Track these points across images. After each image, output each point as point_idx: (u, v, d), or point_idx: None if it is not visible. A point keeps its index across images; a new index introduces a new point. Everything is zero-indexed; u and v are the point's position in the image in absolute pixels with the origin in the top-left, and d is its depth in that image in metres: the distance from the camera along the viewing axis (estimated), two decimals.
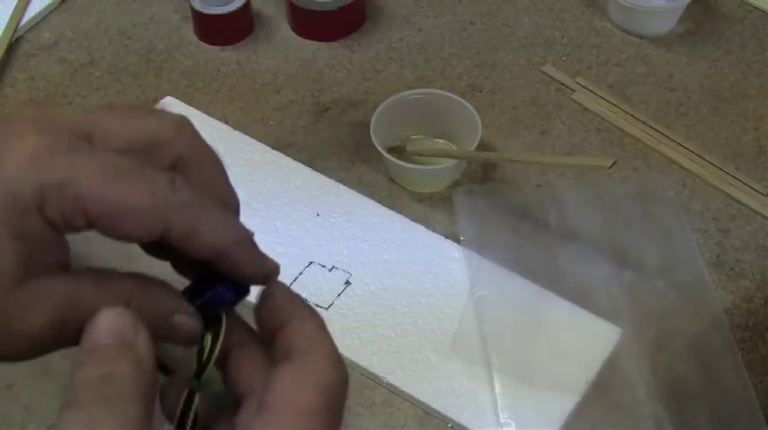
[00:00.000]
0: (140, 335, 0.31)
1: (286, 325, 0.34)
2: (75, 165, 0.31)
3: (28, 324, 0.31)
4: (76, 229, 0.32)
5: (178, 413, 0.33)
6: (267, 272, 0.36)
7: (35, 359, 0.33)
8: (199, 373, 0.33)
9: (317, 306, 0.68)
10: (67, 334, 0.32)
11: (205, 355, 0.33)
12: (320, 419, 0.32)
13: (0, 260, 0.30)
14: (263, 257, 0.35)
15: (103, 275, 0.33)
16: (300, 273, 0.69)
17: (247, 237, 0.35)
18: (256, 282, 0.36)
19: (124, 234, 0.32)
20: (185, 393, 0.33)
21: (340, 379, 0.33)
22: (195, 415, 0.33)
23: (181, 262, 0.36)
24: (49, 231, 0.31)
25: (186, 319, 0.34)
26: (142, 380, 0.30)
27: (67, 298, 0.32)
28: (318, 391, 0.32)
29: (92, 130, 0.33)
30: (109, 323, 0.31)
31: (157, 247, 0.35)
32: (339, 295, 0.68)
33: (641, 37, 0.89)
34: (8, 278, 0.30)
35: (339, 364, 0.34)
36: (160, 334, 0.34)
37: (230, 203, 0.37)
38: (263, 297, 0.35)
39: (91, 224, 0.32)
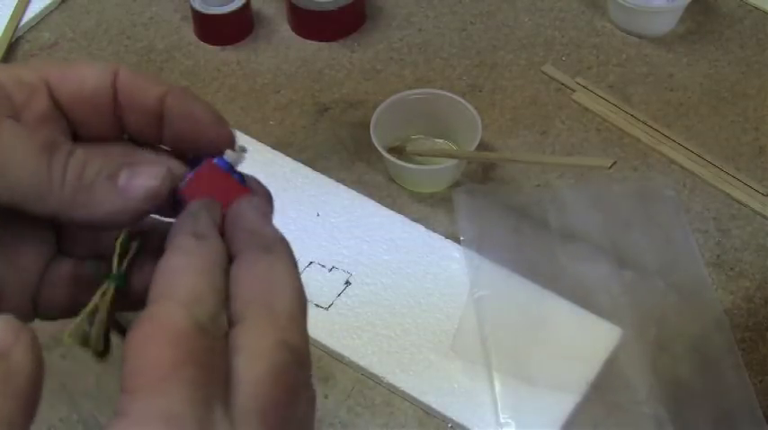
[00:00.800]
0: (19, 346, 0.28)
1: (241, 256, 0.32)
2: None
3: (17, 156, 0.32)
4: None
5: (91, 305, 0.32)
6: (214, 114, 0.35)
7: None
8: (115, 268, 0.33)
9: (317, 306, 0.68)
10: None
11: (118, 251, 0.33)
12: (180, 378, 0.27)
13: None
14: (205, 103, 0.35)
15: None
16: (300, 273, 0.69)
17: (184, 87, 0.36)
18: (209, 128, 0.35)
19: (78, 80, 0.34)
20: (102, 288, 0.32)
21: (186, 320, 0.28)
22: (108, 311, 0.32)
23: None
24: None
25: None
26: (4, 398, 0.26)
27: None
28: (170, 345, 0.27)
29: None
30: None
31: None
32: (339, 295, 0.68)
33: (641, 37, 0.89)
34: None
35: (196, 304, 0.28)
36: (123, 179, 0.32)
37: None
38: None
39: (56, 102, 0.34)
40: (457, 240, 0.71)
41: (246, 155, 0.36)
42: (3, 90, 0.33)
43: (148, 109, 0.35)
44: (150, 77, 0.35)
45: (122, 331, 0.32)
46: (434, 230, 0.73)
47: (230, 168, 0.35)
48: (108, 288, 0.32)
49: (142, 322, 0.28)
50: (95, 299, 0.32)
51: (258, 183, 0.37)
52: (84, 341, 0.32)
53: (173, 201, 0.33)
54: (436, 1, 0.93)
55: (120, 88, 0.34)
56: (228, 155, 0.36)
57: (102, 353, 0.32)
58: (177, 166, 0.35)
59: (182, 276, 0.30)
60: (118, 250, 0.33)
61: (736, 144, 0.80)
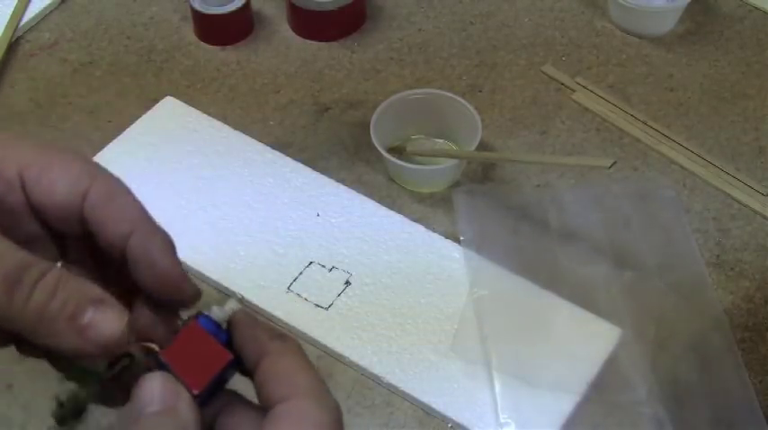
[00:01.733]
0: (182, 400, 0.32)
1: (259, 365, 0.34)
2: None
3: None
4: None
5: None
6: (180, 273, 0.34)
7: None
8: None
9: (317, 306, 0.68)
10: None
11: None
12: None
13: None
14: (175, 258, 0.34)
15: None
16: (300, 273, 0.69)
17: (160, 229, 0.35)
18: (170, 286, 0.34)
19: (50, 188, 0.34)
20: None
21: (330, 415, 0.32)
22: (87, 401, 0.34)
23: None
24: None
25: (110, 312, 0.33)
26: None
27: None
28: None
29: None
30: (152, 389, 0.32)
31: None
32: (339, 295, 0.68)
33: (641, 37, 0.89)
34: None
35: (325, 398, 0.33)
36: (82, 323, 0.32)
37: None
38: (232, 332, 0.35)
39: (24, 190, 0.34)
40: (457, 240, 0.71)
41: (240, 306, 0.35)
42: None
43: (112, 243, 0.34)
44: (121, 207, 0.34)
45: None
46: (434, 230, 0.73)
47: (216, 328, 0.35)
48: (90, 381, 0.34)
49: (283, 417, 0.32)
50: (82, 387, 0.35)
51: (283, 337, 0.35)
52: (61, 421, 0.35)
53: (156, 363, 0.34)
54: (436, 1, 0.93)
55: (86, 211, 0.34)
56: (215, 312, 0.35)
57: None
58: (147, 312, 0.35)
59: (304, 374, 0.33)
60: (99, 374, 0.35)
61: (736, 144, 0.80)
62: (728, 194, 0.76)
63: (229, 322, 0.35)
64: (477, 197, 0.74)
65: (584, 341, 0.65)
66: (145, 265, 0.34)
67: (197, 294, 0.35)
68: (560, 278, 0.69)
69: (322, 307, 0.68)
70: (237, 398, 0.35)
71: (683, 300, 0.68)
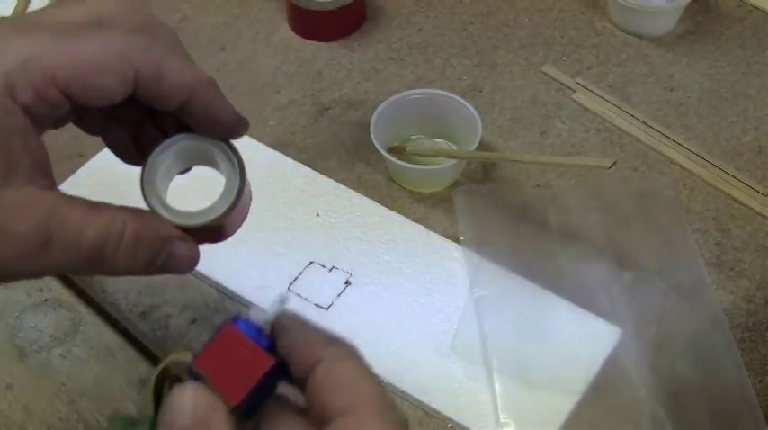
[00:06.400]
0: (217, 413, 0.30)
1: (312, 372, 0.30)
2: (31, 42, 0.32)
3: (15, 226, 0.32)
4: (54, 106, 0.33)
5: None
6: (236, 116, 0.37)
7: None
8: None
9: (318, 306, 0.68)
10: (55, 252, 0.32)
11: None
12: None
13: None
14: (228, 103, 0.37)
15: (95, 203, 0.35)
16: (300, 273, 0.69)
17: (210, 79, 0.36)
18: (229, 129, 0.37)
19: (100, 91, 0.34)
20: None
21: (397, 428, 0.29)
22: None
23: (151, 130, 0.39)
24: (25, 120, 0.32)
25: (182, 246, 0.35)
26: None
27: (54, 212, 0.33)
28: None
29: (39, 18, 0.35)
30: (182, 401, 0.30)
31: (127, 112, 0.37)
32: (339, 295, 0.68)
33: (641, 37, 0.89)
34: None
35: (390, 412, 0.30)
36: (159, 263, 0.35)
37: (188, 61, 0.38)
38: (278, 336, 0.32)
39: (66, 93, 0.33)
40: (457, 240, 0.71)
41: (284, 307, 0.32)
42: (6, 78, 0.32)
43: (170, 100, 0.36)
44: (174, 71, 0.35)
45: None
46: (434, 230, 0.73)
47: (256, 333, 0.31)
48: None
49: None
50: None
51: (341, 341, 0.33)
52: None
53: (190, 373, 0.31)
54: (436, 1, 0.93)
55: (141, 82, 0.35)
56: (255, 315, 0.32)
57: None
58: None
59: (365, 384, 0.30)
60: (153, 395, 0.33)
61: (736, 144, 0.80)
62: (728, 194, 0.76)
63: (273, 326, 0.32)
64: (477, 197, 0.74)
65: (584, 341, 0.65)
66: (207, 116, 0.36)
67: (244, 126, 0.38)
68: (560, 278, 0.69)
69: (322, 307, 0.68)
70: (285, 405, 0.32)
71: (683, 300, 0.68)
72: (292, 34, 0.90)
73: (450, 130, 0.78)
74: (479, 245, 0.71)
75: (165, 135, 0.39)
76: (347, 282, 0.69)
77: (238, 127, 0.38)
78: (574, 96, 0.84)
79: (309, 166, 0.77)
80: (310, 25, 0.89)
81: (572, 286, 0.68)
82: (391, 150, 0.76)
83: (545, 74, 0.86)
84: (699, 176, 0.77)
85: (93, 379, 0.63)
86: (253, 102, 0.84)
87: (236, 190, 0.38)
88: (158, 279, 0.64)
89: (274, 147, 0.78)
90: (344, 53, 0.88)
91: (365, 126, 0.76)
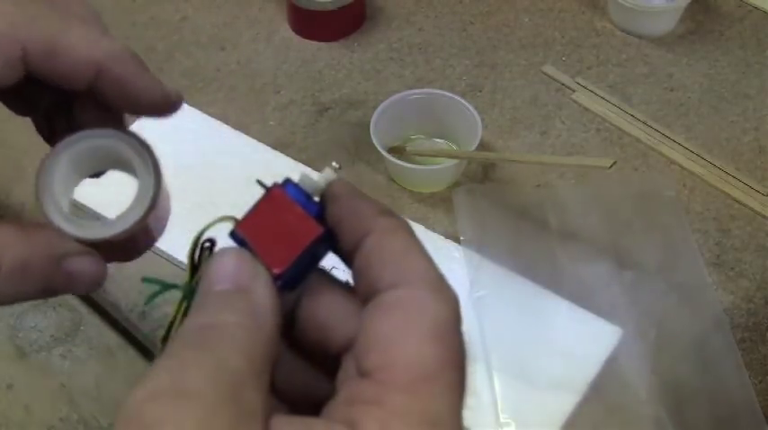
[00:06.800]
0: (259, 281, 0.27)
1: (362, 244, 0.28)
2: None
3: None
4: None
5: (170, 319, 0.29)
6: (160, 92, 0.31)
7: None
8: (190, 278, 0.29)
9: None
10: None
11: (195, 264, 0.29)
12: (448, 377, 0.24)
13: None
14: (150, 77, 0.31)
15: None
16: None
17: (124, 51, 0.30)
18: (153, 107, 0.31)
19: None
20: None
21: (450, 310, 0.26)
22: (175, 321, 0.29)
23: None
24: None
25: (82, 262, 0.30)
26: (251, 332, 0.25)
27: None
28: (436, 342, 0.25)
29: None
30: (224, 266, 0.27)
31: (36, 95, 0.32)
32: None
33: (641, 37, 0.89)
34: None
35: (444, 289, 0.27)
36: (58, 287, 0.30)
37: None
38: (328, 204, 0.29)
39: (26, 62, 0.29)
40: (457, 240, 0.71)
41: (336, 175, 0.30)
42: None
43: (74, 79, 0.31)
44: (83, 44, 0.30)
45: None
46: (434, 230, 0.73)
47: (305, 200, 0.29)
48: (182, 302, 0.29)
49: (393, 308, 0.26)
50: (172, 312, 0.29)
51: (391, 213, 0.30)
52: None
53: (233, 238, 0.29)
54: (436, 1, 0.93)
55: (31, 60, 0.30)
56: (305, 181, 0.29)
57: None
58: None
59: (416, 258, 0.27)
60: (189, 260, 0.29)
61: (737, 144, 0.80)
62: (728, 194, 0.76)
63: (324, 194, 0.29)
64: (477, 197, 0.74)
65: (585, 341, 0.65)
66: (126, 92, 0.31)
67: (179, 97, 0.32)
68: (560, 278, 0.69)
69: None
70: (325, 276, 0.30)
71: (683, 300, 0.68)
72: (292, 34, 0.90)
73: (450, 130, 0.78)
74: (479, 245, 0.71)
75: (71, 126, 0.33)
76: (347, 282, 0.69)
77: (165, 105, 0.32)
78: (574, 96, 0.84)
79: (309, 166, 0.77)
80: (310, 25, 0.89)
81: (572, 286, 0.68)
82: (391, 150, 0.76)
83: (545, 74, 0.86)
84: (699, 176, 0.77)
85: (94, 379, 0.63)
86: (253, 102, 0.84)
87: (149, 196, 0.32)
88: None
89: (274, 147, 0.78)
90: (344, 53, 0.88)
91: (365, 126, 0.76)
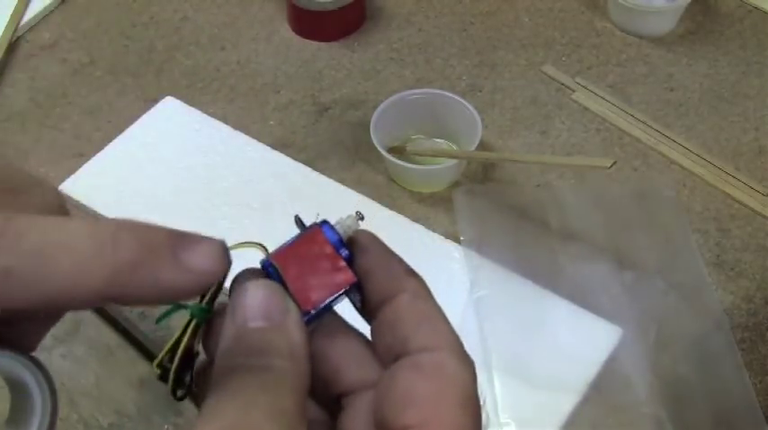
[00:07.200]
0: (290, 317, 0.27)
1: (393, 301, 0.29)
2: None
3: None
4: None
5: (173, 340, 0.28)
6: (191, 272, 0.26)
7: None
8: (201, 300, 0.29)
9: None
10: None
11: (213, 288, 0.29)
12: None
13: None
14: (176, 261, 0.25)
15: None
16: None
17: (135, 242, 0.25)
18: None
19: None
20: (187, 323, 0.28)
21: (472, 375, 0.28)
22: (188, 344, 0.28)
23: None
24: None
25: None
26: (295, 375, 0.26)
27: None
28: (467, 407, 0.27)
29: None
30: (257, 300, 0.27)
31: None
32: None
33: (641, 37, 0.89)
34: None
35: (465, 354, 0.28)
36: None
37: None
38: (358, 254, 0.30)
39: None
40: (457, 240, 0.71)
41: (361, 225, 0.30)
42: None
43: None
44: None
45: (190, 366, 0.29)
46: (434, 230, 0.73)
47: (339, 244, 0.29)
48: (190, 323, 0.28)
49: (430, 371, 0.27)
50: (177, 333, 0.29)
51: (411, 271, 0.31)
52: (163, 376, 0.29)
53: (264, 267, 0.29)
54: (436, 1, 0.93)
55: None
56: (341, 224, 0.30)
57: (176, 391, 0.29)
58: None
59: (444, 324, 0.29)
60: None
61: (737, 144, 0.80)
62: (728, 194, 0.76)
63: (351, 242, 0.30)
64: (477, 197, 0.74)
65: (584, 341, 0.65)
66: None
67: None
68: (560, 278, 0.69)
69: None
70: (338, 318, 0.30)
71: (683, 300, 0.68)
72: (292, 34, 0.90)
73: (450, 130, 0.78)
74: (479, 245, 0.71)
75: None
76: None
77: (201, 285, 0.26)
78: (574, 96, 0.84)
79: (309, 166, 0.77)
80: (310, 25, 0.89)
81: (572, 286, 0.68)
82: (391, 150, 0.76)
83: (545, 74, 0.86)
84: (699, 176, 0.77)
85: (94, 379, 0.63)
86: (253, 102, 0.84)
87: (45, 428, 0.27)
88: None
89: (274, 147, 0.78)
90: (344, 53, 0.88)
91: (365, 126, 0.76)
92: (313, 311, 0.28)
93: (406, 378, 0.27)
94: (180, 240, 0.25)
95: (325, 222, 0.30)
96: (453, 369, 0.27)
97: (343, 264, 0.29)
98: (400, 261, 0.30)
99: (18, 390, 0.27)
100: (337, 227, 0.30)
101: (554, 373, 0.64)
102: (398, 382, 0.27)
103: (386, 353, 0.29)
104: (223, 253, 0.26)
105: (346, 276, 0.29)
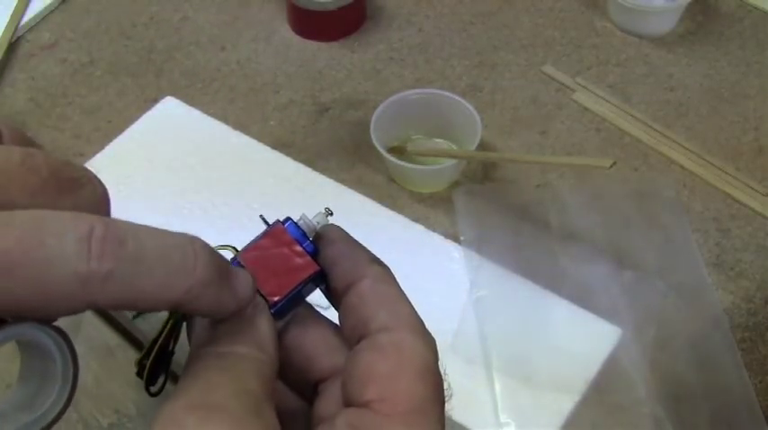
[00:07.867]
0: (260, 311, 0.29)
1: (355, 287, 0.31)
2: None
3: None
4: None
5: (152, 338, 0.30)
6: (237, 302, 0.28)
7: None
8: None
9: (317, 306, 0.67)
10: None
11: None
12: (436, 411, 0.28)
13: None
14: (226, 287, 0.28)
15: None
16: None
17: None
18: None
19: None
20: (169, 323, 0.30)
21: (433, 353, 0.30)
22: (163, 343, 0.30)
23: None
24: None
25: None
26: (260, 361, 0.28)
27: None
28: (426, 380, 0.29)
29: None
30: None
31: None
32: None
33: (641, 37, 0.89)
34: None
35: (427, 334, 0.30)
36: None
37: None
38: (323, 246, 0.32)
39: None
40: (457, 240, 0.71)
41: (329, 220, 0.32)
42: None
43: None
44: None
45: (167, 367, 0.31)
46: (434, 230, 0.73)
47: (302, 238, 0.31)
48: (168, 322, 0.30)
49: (389, 349, 0.29)
50: (158, 329, 0.30)
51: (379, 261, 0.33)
52: (140, 373, 0.31)
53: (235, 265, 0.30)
54: (436, 1, 0.93)
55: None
56: (304, 220, 0.32)
57: (149, 387, 0.31)
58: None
59: (404, 305, 0.31)
60: None
61: (737, 144, 0.80)
62: (728, 194, 0.76)
63: (317, 235, 0.32)
64: (477, 197, 0.74)
65: (584, 341, 0.65)
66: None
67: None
68: (560, 278, 0.69)
69: (321, 306, 0.68)
70: (311, 310, 0.33)
71: (682, 300, 0.68)
72: (292, 34, 0.90)
73: (450, 130, 0.78)
74: (479, 245, 0.71)
75: None
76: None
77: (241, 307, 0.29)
78: (574, 96, 0.84)
79: (309, 166, 0.77)
80: (310, 25, 0.89)
81: (572, 286, 0.68)
82: (391, 150, 0.76)
83: (545, 74, 0.86)
84: (699, 176, 0.77)
85: (94, 379, 0.63)
86: (253, 102, 0.84)
87: (66, 394, 0.28)
88: None
89: (274, 147, 0.78)
90: (344, 53, 0.88)
91: (365, 126, 0.76)
92: (279, 301, 0.30)
93: (366, 357, 0.29)
94: (231, 268, 0.28)
95: (288, 219, 0.32)
96: (410, 345, 0.29)
97: (305, 255, 0.31)
98: (364, 250, 0.33)
99: (40, 357, 0.29)
100: (300, 222, 0.32)
101: (554, 373, 0.64)
102: (359, 361, 0.29)
103: (351, 335, 0.31)
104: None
105: (309, 266, 0.31)
